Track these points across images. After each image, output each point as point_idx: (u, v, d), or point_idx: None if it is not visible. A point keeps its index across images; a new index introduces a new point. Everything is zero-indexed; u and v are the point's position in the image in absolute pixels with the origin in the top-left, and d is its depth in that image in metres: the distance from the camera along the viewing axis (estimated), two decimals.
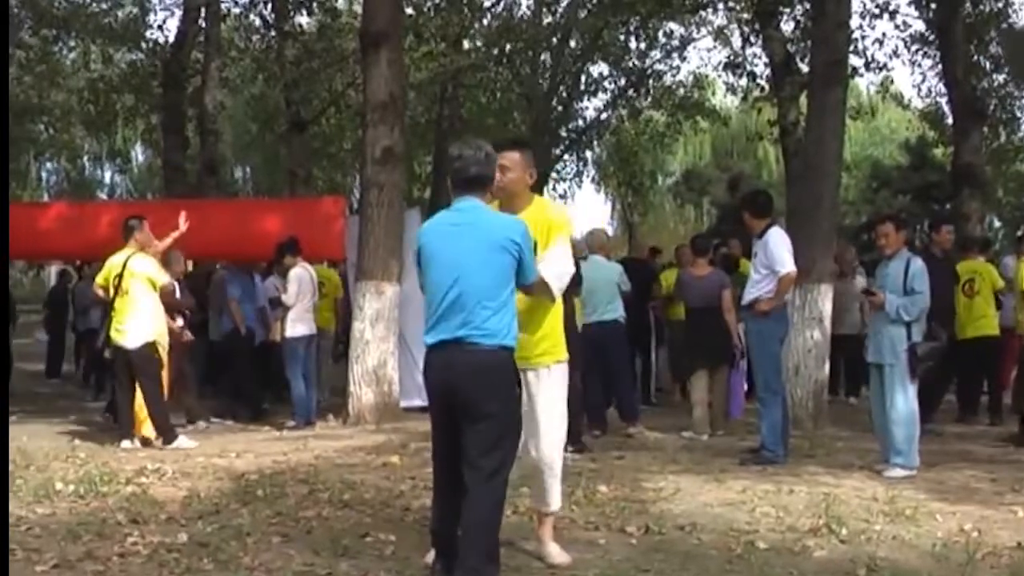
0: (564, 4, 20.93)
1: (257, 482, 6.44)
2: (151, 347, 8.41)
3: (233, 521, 5.38)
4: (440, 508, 4.34)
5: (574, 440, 7.84)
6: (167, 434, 8.35)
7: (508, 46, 20.44)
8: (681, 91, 23.01)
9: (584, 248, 9.06)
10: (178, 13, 19.09)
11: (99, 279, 8.78)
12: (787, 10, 15.84)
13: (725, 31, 20.82)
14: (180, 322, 9.40)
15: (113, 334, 8.43)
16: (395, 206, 9.94)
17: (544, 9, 21.34)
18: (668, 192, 35.75)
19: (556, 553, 4.73)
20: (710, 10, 18.94)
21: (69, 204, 13.94)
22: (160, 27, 31.03)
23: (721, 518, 5.64)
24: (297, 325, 9.73)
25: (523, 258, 4.23)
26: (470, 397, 4.11)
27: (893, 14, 17.16)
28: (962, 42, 15.38)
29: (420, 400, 9.84)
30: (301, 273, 9.75)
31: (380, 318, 9.68)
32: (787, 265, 7.63)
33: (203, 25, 17.58)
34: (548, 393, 4.59)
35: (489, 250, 4.17)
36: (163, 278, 8.53)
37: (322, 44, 18.56)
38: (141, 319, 8.36)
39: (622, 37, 21.46)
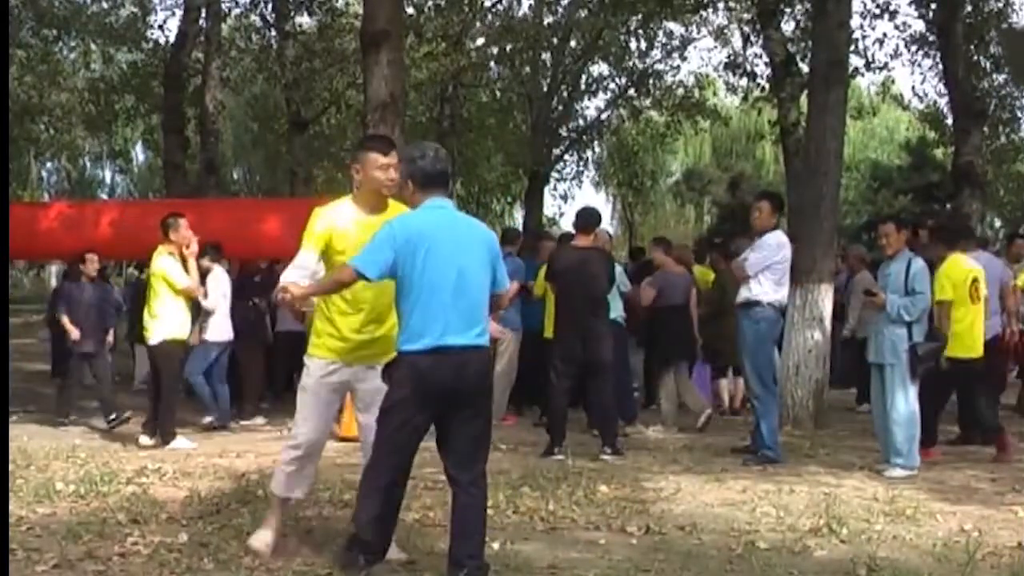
0: (564, 4, 20.94)
1: (257, 482, 6.43)
2: (171, 344, 8.44)
3: (233, 521, 5.38)
4: (387, 514, 4.30)
5: (611, 443, 7.83)
6: (167, 435, 8.36)
7: (508, 46, 20.46)
8: (681, 91, 23.02)
9: None
10: (178, 13, 19.14)
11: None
12: (787, 10, 15.85)
13: (725, 31, 20.86)
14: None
15: (144, 332, 8.54)
16: None
17: (544, 9, 21.35)
18: (669, 192, 35.74)
19: (255, 538, 4.77)
20: (710, 10, 18.96)
21: (69, 204, 13.93)
22: (161, 27, 30.99)
23: (721, 518, 5.64)
24: (215, 329, 9.58)
25: (497, 267, 4.37)
26: (476, 397, 4.23)
27: (893, 14, 17.19)
28: (962, 42, 15.38)
29: None
30: (221, 276, 9.61)
31: None
32: (750, 267, 7.63)
33: (203, 25, 17.59)
34: None
35: (485, 256, 4.31)
36: (183, 280, 8.49)
37: (322, 44, 18.59)
38: (162, 316, 8.38)
39: (622, 37, 21.47)
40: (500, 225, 27.01)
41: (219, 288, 9.51)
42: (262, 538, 4.76)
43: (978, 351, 7.92)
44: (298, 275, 4.51)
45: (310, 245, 4.58)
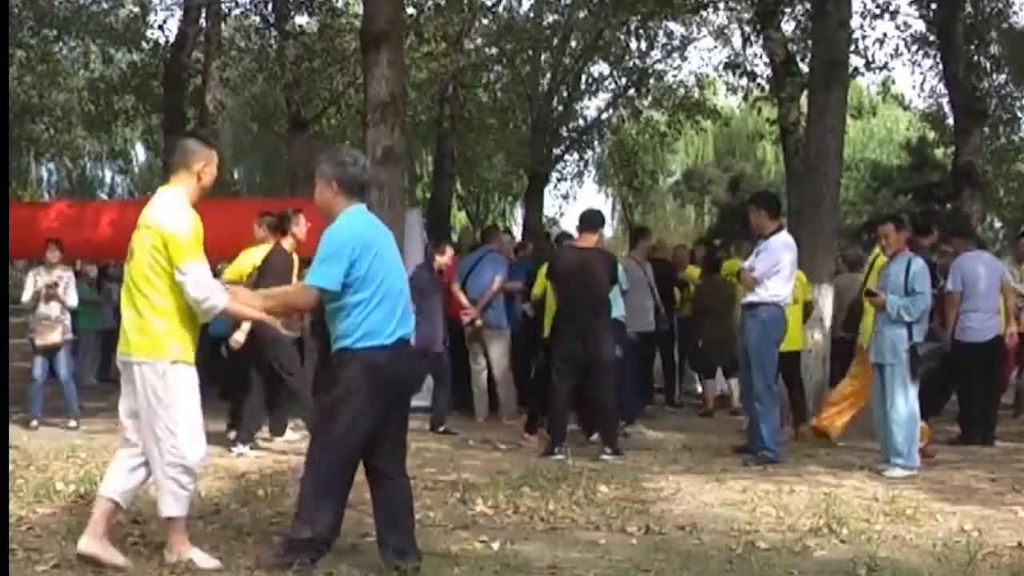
0: (564, 4, 20.94)
1: (257, 482, 6.44)
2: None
3: (233, 521, 5.38)
4: (339, 513, 4.39)
5: (611, 443, 7.82)
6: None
7: (508, 46, 20.45)
8: (682, 91, 23.02)
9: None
10: (178, 13, 19.14)
11: (230, 273, 8.42)
12: (787, 10, 15.84)
13: (725, 31, 20.85)
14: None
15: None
16: (396, 206, 9.93)
17: (544, 9, 21.34)
18: (669, 192, 35.69)
19: (200, 558, 4.54)
20: (710, 10, 18.93)
21: (69, 204, 13.93)
22: (160, 27, 30.98)
23: (721, 518, 5.65)
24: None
25: None
26: (413, 388, 4.59)
27: (894, 14, 17.15)
28: (962, 42, 15.38)
29: (423, 401, 9.83)
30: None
31: None
32: (760, 275, 7.61)
33: (203, 25, 17.59)
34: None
35: (399, 255, 4.66)
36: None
37: (322, 44, 18.57)
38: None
39: (622, 37, 21.47)
40: (501, 225, 27.05)
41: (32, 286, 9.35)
42: (207, 562, 4.52)
43: (794, 345, 8.83)
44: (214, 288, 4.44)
45: (200, 253, 4.43)
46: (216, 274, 9.26)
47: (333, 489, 4.36)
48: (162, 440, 4.45)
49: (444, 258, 9.53)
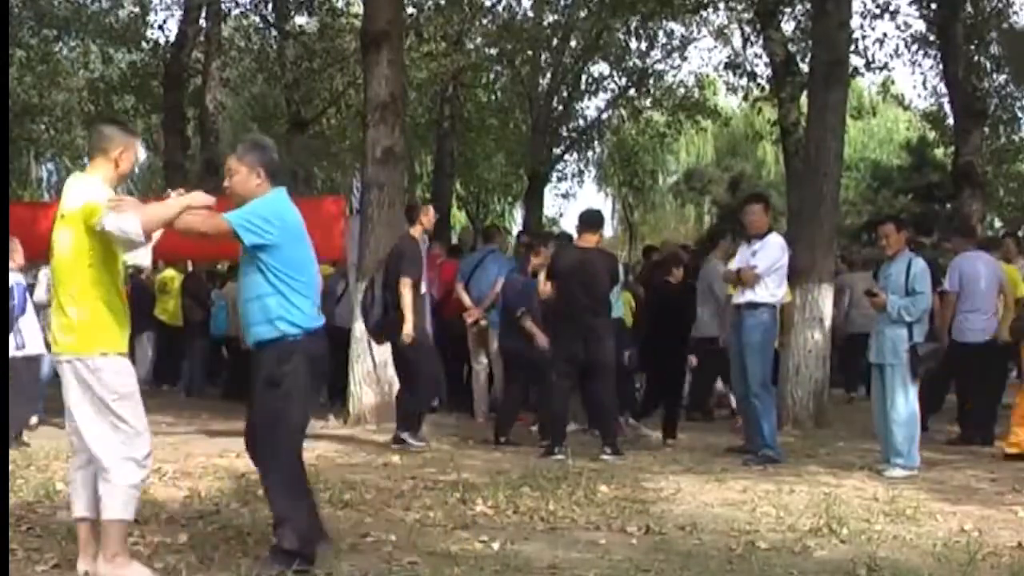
0: (565, 3, 20.93)
1: (257, 482, 6.41)
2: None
3: (233, 521, 5.38)
4: (312, 510, 4.43)
5: (611, 443, 7.81)
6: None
7: (508, 46, 20.44)
8: (682, 91, 23.01)
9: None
10: (178, 13, 19.14)
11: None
12: (787, 10, 15.85)
13: (726, 31, 20.83)
14: None
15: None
16: (395, 206, 9.93)
17: (544, 9, 21.33)
18: (669, 192, 35.70)
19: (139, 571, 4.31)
20: (710, 10, 18.93)
21: None
22: (160, 27, 30.90)
23: (722, 518, 5.65)
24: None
25: None
26: None
27: (894, 14, 17.15)
28: (962, 42, 15.39)
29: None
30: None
31: None
32: (763, 272, 7.59)
33: (203, 25, 17.59)
34: None
35: None
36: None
37: (323, 44, 18.58)
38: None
39: (622, 37, 21.46)
40: (501, 225, 27.04)
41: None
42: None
43: None
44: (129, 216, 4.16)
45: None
46: (219, 275, 9.15)
47: (301, 486, 4.35)
48: (109, 436, 4.23)
49: (540, 259, 8.78)
